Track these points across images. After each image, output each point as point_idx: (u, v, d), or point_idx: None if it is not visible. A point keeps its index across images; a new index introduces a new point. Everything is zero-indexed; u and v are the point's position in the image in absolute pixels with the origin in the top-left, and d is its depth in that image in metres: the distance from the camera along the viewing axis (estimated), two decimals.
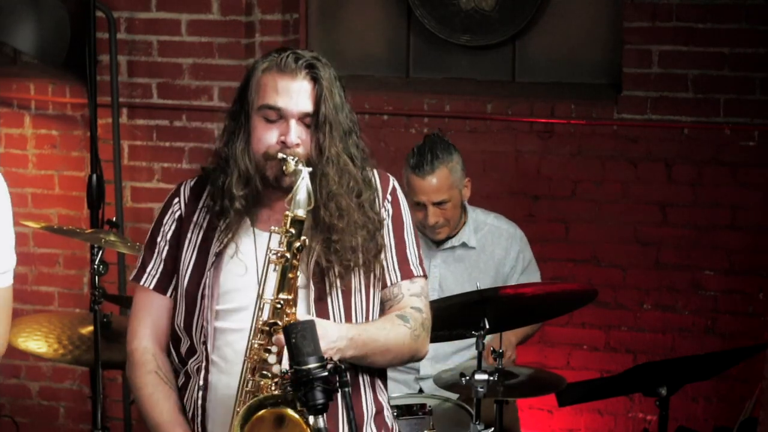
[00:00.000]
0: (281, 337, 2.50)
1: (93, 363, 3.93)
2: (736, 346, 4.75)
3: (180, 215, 2.85)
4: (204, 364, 2.78)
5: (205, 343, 2.77)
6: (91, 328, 3.98)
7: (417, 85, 5.26)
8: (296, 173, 2.61)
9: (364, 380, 2.84)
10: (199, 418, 2.78)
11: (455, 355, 4.28)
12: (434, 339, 3.52)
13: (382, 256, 2.80)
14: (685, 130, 4.90)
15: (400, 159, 4.30)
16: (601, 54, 5.14)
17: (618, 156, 4.96)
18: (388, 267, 2.82)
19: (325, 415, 2.44)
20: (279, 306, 2.58)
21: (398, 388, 4.18)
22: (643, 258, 4.98)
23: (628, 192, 4.97)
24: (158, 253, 2.86)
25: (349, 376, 2.70)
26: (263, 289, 2.63)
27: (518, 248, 4.34)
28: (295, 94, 2.70)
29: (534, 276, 4.37)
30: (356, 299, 2.78)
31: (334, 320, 2.74)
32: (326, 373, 2.42)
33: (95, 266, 3.91)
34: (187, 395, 2.81)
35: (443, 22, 5.22)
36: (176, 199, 2.88)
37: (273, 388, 2.57)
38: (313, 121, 2.71)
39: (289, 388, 2.48)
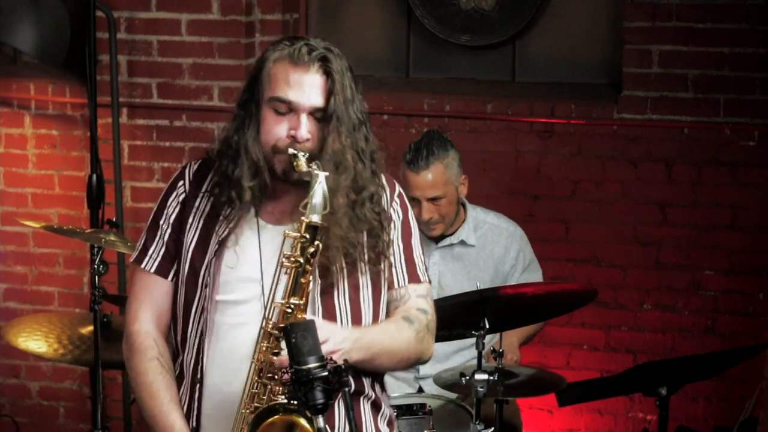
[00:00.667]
0: None
1: (93, 363, 3.93)
2: (736, 346, 4.74)
3: (184, 198, 2.81)
4: (200, 357, 2.75)
5: (202, 335, 2.74)
6: (91, 328, 3.98)
7: (417, 85, 5.26)
8: (312, 176, 2.56)
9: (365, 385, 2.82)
10: (195, 412, 2.76)
11: (455, 355, 4.28)
12: (434, 339, 3.51)
13: (390, 256, 2.79)
14: (685, 130, 4.90)
15: (400, 159, 4.30)
16: (601, 54, 5.14)
17: (618, 156, 4.96)
18: (396, 269, 2.81)
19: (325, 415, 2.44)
20: (289, 310, 2.57)
21: (398, 387, 4.18)
22: (643, 258, 4.98)
23: (628, 192, 4.97)
24: (160, 235, 2.82)
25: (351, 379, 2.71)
26: (274, 292, 2.61)
27: (518, 247, 4.34)
28: (307, 87, 2.66)
29: (536, 275, 4.37)
30: (364, 295, 2.76)
31: (341, 316, 2.72)
32: (326, 373, 2.42)
33: (95, 266, 3.90)
34: (182, 389, 2.79)
35: (443, 22, 5.22)
36: (180, 182, 2.84)
37: (279, 390, 2.57)
38: (323, 115, 2.67)
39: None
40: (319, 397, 2.41)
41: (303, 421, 2.49)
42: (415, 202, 4.13)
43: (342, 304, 2.73)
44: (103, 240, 3.94)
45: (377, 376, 2.87)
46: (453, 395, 3.97)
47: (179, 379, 2.80)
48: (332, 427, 2.67)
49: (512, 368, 3.94)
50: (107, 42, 5.14)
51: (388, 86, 5.22)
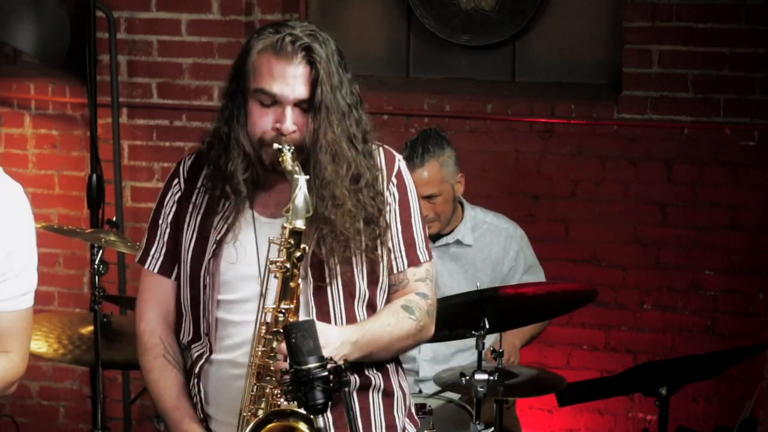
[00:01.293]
0: (284, 346, 2.48)
1: (93, 363, 3.93)
2: (736, 346, 4.74)
3: (180, 196, 2.81)
4: (206, 354, 2.76)
5: (208, 334, 2.75)
6: (91, 328, 3.98)
7: (417, 85, 5.26)
8: (293, 180, 2.55)
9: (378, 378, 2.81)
10: (200, 405, 2.77)
11: (456, 356, 4.28)
12: (434, 339, 3.50)
13: (389, 241, 2.76)
14: (685, 130, 4.90)
15: None
16: (601, 54, 5.13)
17: (618, 156, 4.96)
18: (394, 253, 2.78)
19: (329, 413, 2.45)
20: (281, 315, 2.57)
21: None
22: (643, 258, 4.97)
23: (628, 192, 4.97)
24: (160, 235, 2.82)
25: (357, 378, 2.71)
26: (265, 297, 2.61)
27: (517, 247, 4.33)
28: (291, 79, 2.63)
29: (538, 277, 4.36)
30: (359, 289, 2.74)
31: (335, 315, 2.71)
32: (326, 373, 2.41)
33: (95, 266, 3.90)
34: (192, 382, 2.80)
35: (443, 22, 5.22)
36: (176, 180, 2.84)
37: (278, 393, 2.57)
38: (310, 105, 2.64)
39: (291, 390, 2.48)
40: (319, 397, 2.41)
41: (301, 426, 2.49)
42: None
43: (336, 303, 2.72)
44: (103, 240, 3.94)
45: (386, 363, 2.84)
46: (453, 395, 3.97)
47: (190, 372, 2.81)
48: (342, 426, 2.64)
49: (512, 368, 3.94)
50: (107, 42, 5.14)
51: (388, 86, 5.22)
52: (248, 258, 2.72)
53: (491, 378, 3.61)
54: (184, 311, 2.80)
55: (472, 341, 3.74)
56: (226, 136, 2.71)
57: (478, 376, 3.59)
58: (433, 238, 4.27)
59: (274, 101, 2.65)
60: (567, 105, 4.99)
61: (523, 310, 3.88)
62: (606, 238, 5.01)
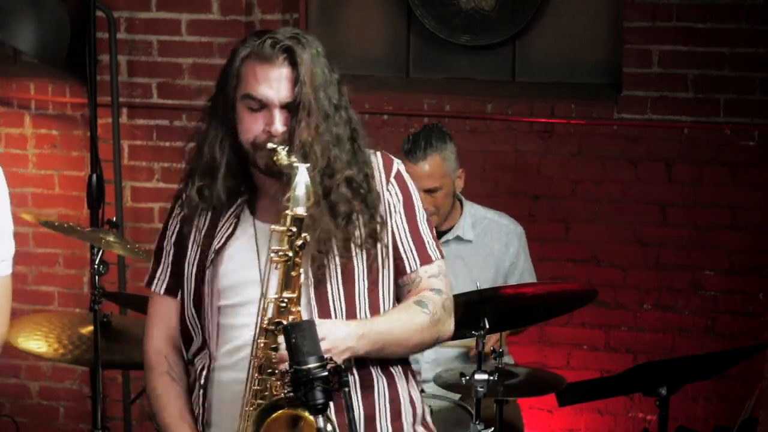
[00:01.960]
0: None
1: (93, 363, 3.93)
2: (736, 346, 4.74)
3: (183, 216, 2.83)
4: (208, 363, 2.78)
5: (209, 342, 2.77)
6: (91, 327, 3.97)
7: (417, 85, 5.26)
8: (292, 169, 2.56)
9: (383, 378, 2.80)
10: (203, 416, 2.79)
11: (456, 360, 4.27)
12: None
13: (399, 243, 2.77)
14: (685, 130, 4.90)
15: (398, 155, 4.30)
16: (601, 54, 5.14)
17: (618, 156, 4.96)
18: (405, 253, 2.78)
19: (330, 413, 2.44)
20: (284, 304, 2.57)
21: None
22: (643, 258, 4.98)
23: (628, 192, 4.97)
24: (165, 256, 2.86)
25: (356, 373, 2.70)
26: (266, 288, 2.61)
27: (518, 244, 4.33)
28: (275, 82, 2.65)
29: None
30: (360, 286, 2.74)
31: (335, 310, 2.71)
32: (326, 373, 2.41)
33: (95, 266, 3.90)
34: (194, 393, 2.82)
35: (443, 22, 5.22)
36: (179, 203, 2.86)
37: (280, 385, 2.56)
38: (295, 107, 2.65)
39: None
40: (319, 397, 2.41)
41: (308, 414, 2.49)
42: None
43: (336, 298, 2.71)
44: (103, 241, 3.94)
45: (394, 362, 2.82)
46: (453, 395, 3.97)
47: (195, 384, 2.83)
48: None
49: (512, 368, 3.94)
50: (107, 42, 5.14)
51: (388, 86, 5.22)
52: (248, 263, 2.73)
53: (491, 378, 3.61)
54: (190, 327, 2.82)
55: (472, 342, 3.74)
56: (207, 157, 2.73)
57: (478, 376, 3.60)
58: None
59: (262, 105, 2.67)
60: (567, 105, 4.99)
61: (523, 310, 3.88)
62: (606, 238, 5.01)
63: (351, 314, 2.73)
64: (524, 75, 5.22)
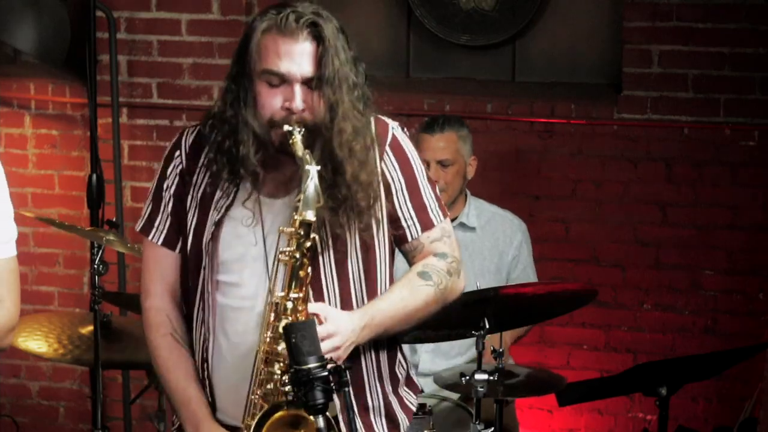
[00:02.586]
0: None
1: (93, 363, 3.93)
2: (736, 346, 4.74)
3: (182, 170, 2.77)
4: (208, 337, 2.75)
5: (208, 315, 2.73)
6: (91, 327, 3.98)
7: (417, 85, 5.26)
8: (303, 171, 2.53)
9: (372, 367, 2.80)
10: (208, 389, 2.76)
11: (456, 358, 4.28)
12: (434, 339, 3.50)
13: (398, 212, 2.74)
14: (685, 130, 4.90)
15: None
16: (601, 54, 5.14)
17: (618, 156, 4.96)
18: (406, 222, 2.75)
19: (327, 413, 2.44)
20: (290, 303, 2.57)
21: None
22: (643, 258, 4.98)
23: (628, 192, 4.97)
24: (164, 206, 2.79)
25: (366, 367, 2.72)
26: (273, 285, 2.60)
27: (521, 237, 4.36)
28: (298, 57, 2.60)
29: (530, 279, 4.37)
30: (353, 271, 2.72)
31: (328, 297, 2.68)
32: (326, 373, 2.42)
33: (95, 266, 3.90)
34: (200, 365, 2.78)
35: (443, 22, 5.22)
36: (177, 152, 2.80)
37: (284, 379, 2.56)
38: (319, 83, 2.61)
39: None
40: (319, 397, 2.41)
41: (309, 415, 2.49)
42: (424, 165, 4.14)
43: (329, 285, 2.70)
44: (103, 240, 3.94)
45: (385, 357, 2.82)
46: (453, 395, 3.97)
47: (196, 352, 2.79)
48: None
49: (512, 368, 3.94)
50: (107, 42, 5.14)
51: (388, 86, 5.21)
52: (249, 238, 2.70)
53: (491, 378, 3.61)
54: (189, 286, 2.78)
55: (472, 341, 3.74)
56: (232, 118, 2.65)
57: (478, 376, 3.59)
58: None
59: (282, 80, 2.61)
60: (567, 105, 4.99)
61: (523, 310, 3.88)
62: (606, 238, 5.01)
63: (344, 289, 2.70)
64: (524, 75, 5.22)
